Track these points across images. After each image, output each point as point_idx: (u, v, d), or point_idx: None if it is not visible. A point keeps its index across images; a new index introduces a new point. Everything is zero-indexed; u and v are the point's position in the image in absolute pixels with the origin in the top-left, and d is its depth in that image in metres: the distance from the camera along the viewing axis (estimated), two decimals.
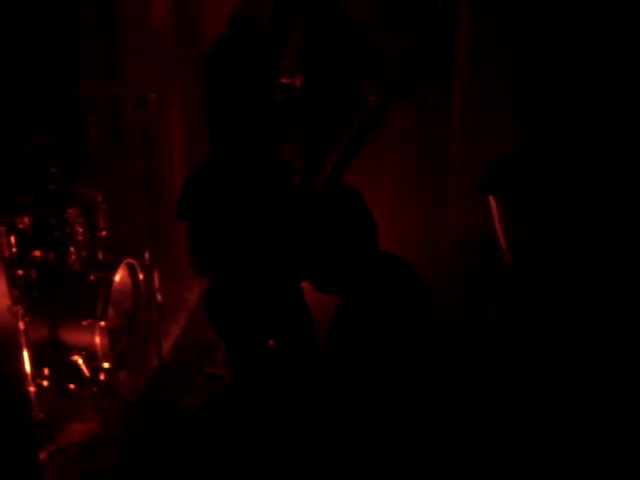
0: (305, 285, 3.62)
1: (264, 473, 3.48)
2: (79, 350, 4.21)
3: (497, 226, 3.60)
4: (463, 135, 4.92)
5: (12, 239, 4.02)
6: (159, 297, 4.47)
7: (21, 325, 3.93)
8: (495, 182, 3.60)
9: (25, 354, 3.96)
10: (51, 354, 4.22)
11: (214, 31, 4.78)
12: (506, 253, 3.59)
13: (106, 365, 4.26)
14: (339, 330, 2.65)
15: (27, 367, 3.97)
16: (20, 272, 4.05)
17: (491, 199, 3.60)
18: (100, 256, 4.50)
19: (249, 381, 3.69)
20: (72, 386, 4.22)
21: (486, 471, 3.19)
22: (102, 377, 4.27)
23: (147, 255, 4.42)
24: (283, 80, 4.55)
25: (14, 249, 4.03)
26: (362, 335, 2.57)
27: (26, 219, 4.10)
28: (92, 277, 4.27)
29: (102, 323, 4.19)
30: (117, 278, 4.34)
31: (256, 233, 3.52)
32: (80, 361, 4.20)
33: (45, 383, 4.15)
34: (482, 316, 3.87)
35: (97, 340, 4.19)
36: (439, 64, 5.05)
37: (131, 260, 4.51)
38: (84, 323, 4.17)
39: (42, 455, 3.74)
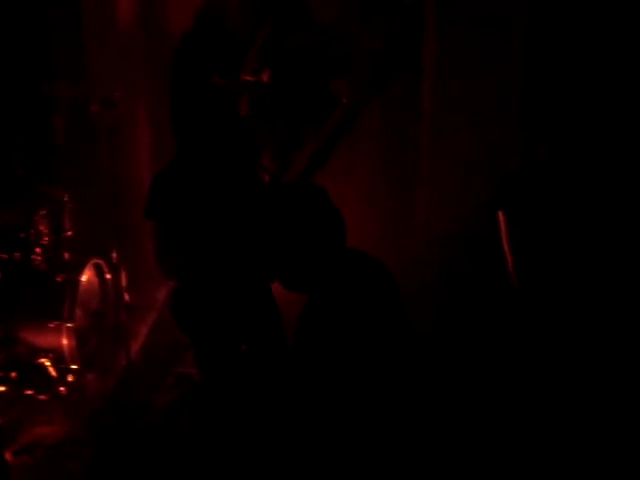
0: (275, 285, 3.61)
1: (235, 473, 3.46)
2: (46, 352, 4.17)
3: (504, 244, 3.60)
4: (433, 133, 4.93)
5: None
6: (127, 297, 4.43)
7: None
8: (504, 198, 3.59)
9: None
10: (15, 356, 4.17)
11: (180, 28, 4.75)
12: (512, 274, 3.59)
13: (74, 367, 4.21)
14: (307, 329, 2.63)
15: None
16: None
17: (500, 215, 3.59)
18: (66, 256, 4.46)
19: (218, 381, 3.67)
20: (37, 389, 4.17)
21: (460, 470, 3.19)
22: (70, 379, 4.22)
23: (114, 255, 4.38)
24: (249, 77, 4.53)
25: None
26: (330, 333, 2.55)
27: None
28: (58, 278, 4.23)
29: (69, 324, 4.14)
30: (84, 279, 4.30)
31: (223, 233, 3.50)
32: (47, 363, 4.15)
33: (5, 387, 4.11)
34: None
35: (64, 342, 4.14)
36: (408, 61, 5.06)
37: (98, 260, 4.46)
38: (51, 325, 4.13)
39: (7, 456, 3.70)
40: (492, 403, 3.62)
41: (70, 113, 5.10)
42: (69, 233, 4.47)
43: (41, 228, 4.27)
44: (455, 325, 4.23)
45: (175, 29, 4.97)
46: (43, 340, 4.17)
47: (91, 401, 4.21)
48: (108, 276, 4.54)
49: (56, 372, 4.17)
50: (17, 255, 4.23)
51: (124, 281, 4.40)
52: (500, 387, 3.68)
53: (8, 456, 3.68)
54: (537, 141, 4.07)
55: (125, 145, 5.01)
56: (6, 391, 4.13)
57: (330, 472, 2.56)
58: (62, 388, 4.20)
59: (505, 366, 3.77)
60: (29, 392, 4.16)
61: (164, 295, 4.94)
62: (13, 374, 4.17)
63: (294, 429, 2.65)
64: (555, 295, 3.62)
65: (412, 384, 2.64)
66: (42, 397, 4.16)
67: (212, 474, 3.60)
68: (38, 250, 4.28)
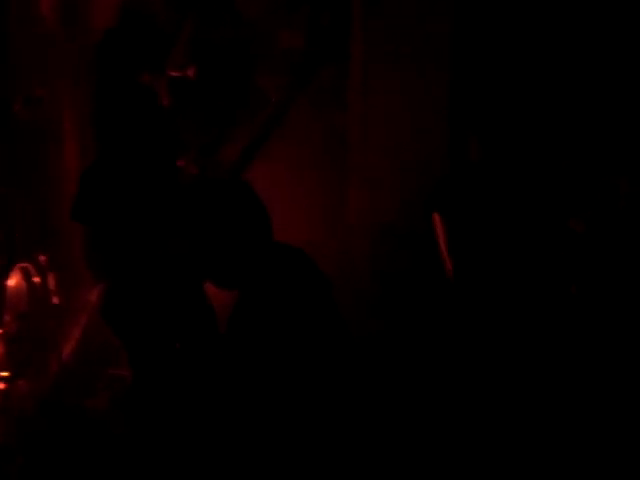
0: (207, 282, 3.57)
1: (169, 473, 3.43)
2: None
3: (441, 244, 3.62)
4: (361, 126, 4.94)
5: None
6: (56, 300, 4.35)
7: None
8: (439, 200, 3.61)
9: None
10: None
11: (104, 23, 4.67)
12: (448, 269, 3.61)
13: (4, 374, 4.13)
14: (237, 325, 2.62)
15: None
16: None
17: (435, 217, 3.61)
18: None
19: (152, 381, 3.63)
20: None
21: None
22: (0, 386, 4.13)
23: (42, 258, 4.30)
24: (175, 73, 4.47)
25: None
26: (260, 328, 2.55)
27: None
28: None
29: None
30: (11, 283, 4.21)
31: (150, 231, 3.45)
32: None
33: None
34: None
35: None
36: (335, 53, 5.06)
37: (24, 264, 4.37)
38: None
39: None
40: (423, 397, 3.64)
41: None
42: None
43: None
44: (389, 319, 4.26)
45: (98, 24, 4.90)
46: None
47: (22, 406, 4.12)
48: (36, 279, 4.45)
49: None
50: None
51: (53, 284, 4.31)
52: (432, 382, 3.70)
53: None
54: (467, 133, 4.10)
55: (51, 144, 4.91)
56: None
57: (260, 466, 2.56)
58: None
59: (437, 360, 3.80)
60: None
61: (95, 297, 4.86)
62: None
63: (229, 427, 2.63)
64: (490, 293, 3.66)
65: (344, 379, 2.64)
66: None
67: (145, 476, 3.56)
68: None
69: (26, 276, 4.42)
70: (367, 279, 4.63)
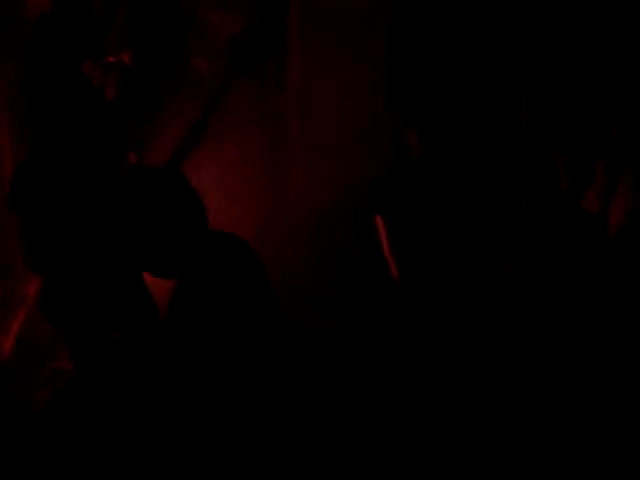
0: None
1: (113, 467, 3.39)
2: None
3: (384, 246, 3.62)
4: (298, 107, 4.92)
5: None
6: None
7: None
8: (378, 201, 3.61)
9: None
10: None
11: (37, 9, 4.56)
12: (392, 269, 3.61)
13: None
14: (176, 314, 2.60)
15: None
16: None
17: (377, 218, 3.61)
18: None
19: (94, 374, 3.58)
20: None
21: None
22: None
23: None
24: (111, 58, 4.40)
25: None
26: (198, 317, 2.54)
27: None
28: None
29: None
30: None
31: (87, 222, 3.40)
32: None
33: None
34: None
35: None
36: (273, 37, 5.03)
37: None
38: None
39: None
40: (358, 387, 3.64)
41: None
42: None
43: None
44: (328, 306, 4.26)
45: (32, 11, 4.79)
46: None
47: None
48: None
49: None
50: None
51: None
52: (374, 367, 3.71)
53: None
54: (405, 124, 4.11)
55: None
56: None
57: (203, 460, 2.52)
58: None
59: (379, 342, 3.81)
60: None
61: (34, 290, 4.78)
62: None
63: (171, 414, 2.60)
64: (433, 287, 3.67)
65: (282, 363, 2.63)
66: None
67: (90, 469, 3.51)
68: None
69: None
70: (306, 264, 4.62)
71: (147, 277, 2.84)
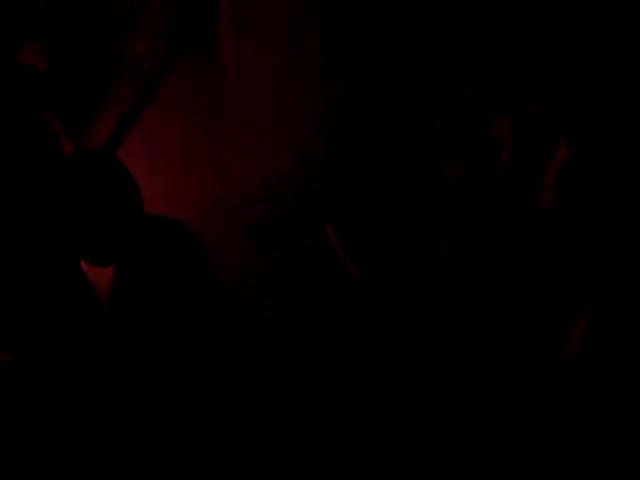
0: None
1: (55, 461, 3.33)
2: None
3: (339, 252, 3.61)
4: (235, 89, 4.88)
5: None
6: None
7: None
8: (329, 212, 3.60)
9: None
10: None
11: None
12: (352, 270, 3.60)
13: None
14: (116, 301, 2.58)
15: None
16: None
17: (328, 228, 3.60)
18: None
19: (34, 364, 3.51)
20: None
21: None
22: None
23: None
24: (34, 42, 4.30)
25: None
26: (139, 303, 2.53)
27: None
28: None
29: None
30: None
31: (21, 211, 3.33)
32: None
33: None
34: None
35: None
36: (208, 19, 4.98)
37: None
38: None
39: None
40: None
41: None
42: None
43: None
44: (272, 288, 4.23)
45: None
46: None
47: None
48: None
49: None
50: None
51: None
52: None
53: None
54: (340, 107, 4.11)
55: None
56: None
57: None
58: None
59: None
60: None
61: None
62: None
63: (116, 402, 2.58)
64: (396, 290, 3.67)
65: (228, 348, 2.61)
66: None
67: (35, 462, 3.45)
68: None
69: None
70: (248, 248, 4.60)
71: (84, 266, 2.79)
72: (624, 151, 3.40)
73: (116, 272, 2.58)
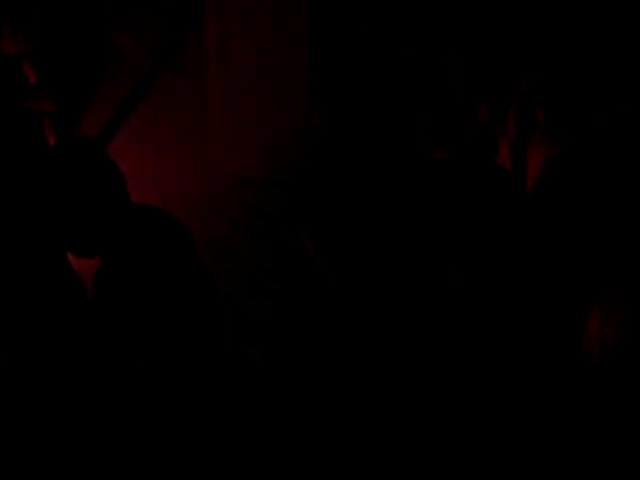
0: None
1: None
2: None
3: (314, 257, 3.58)
4: (220, 85, 4.86)
5: None
6: None
7: None
8: (301, 218, 3.58)
9: None
10: None
11: None
12: (328, 274, 3.58)
13: None
14: (102, 292, 2.55)
15: None
16: None
17: (302, 235, 3.57)
18: None
19: (20, 359, 3.48)
20: None
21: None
22: None
23: None
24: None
25: None
26: (125, 293, 2.50)
27: None
28: None
29: None
30: None
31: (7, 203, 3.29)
32: None
33: None
34: None
35: None
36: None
37: None
38: None
39: None
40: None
41: None
42: None
43: None
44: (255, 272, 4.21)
45: None
46: None
47: None
48: None
49: None
50: None
51: None
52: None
53: None
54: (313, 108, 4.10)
55: None
56: None
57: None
58: None
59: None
60: None
61: None
62: None
63: (100, 393, 2.56)
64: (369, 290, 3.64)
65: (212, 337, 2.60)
66: None
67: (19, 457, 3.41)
68: None
69: None
70: (231, 230, 4.58)
71: (71, 258, 2.76)
72: (608, 136, 3.40)
73: (102, 263, 2.56)
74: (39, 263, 3.35)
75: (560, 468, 2.69)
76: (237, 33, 4.78)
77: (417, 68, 4.16)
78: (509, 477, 2.94)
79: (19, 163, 3.33)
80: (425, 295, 3.49)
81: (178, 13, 5.01)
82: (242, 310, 3.83)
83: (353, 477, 3.12)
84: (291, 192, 3.91)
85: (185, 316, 2.54)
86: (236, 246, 4.47)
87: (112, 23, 4.87)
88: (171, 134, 4.90)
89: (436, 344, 3.39)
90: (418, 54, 4.29)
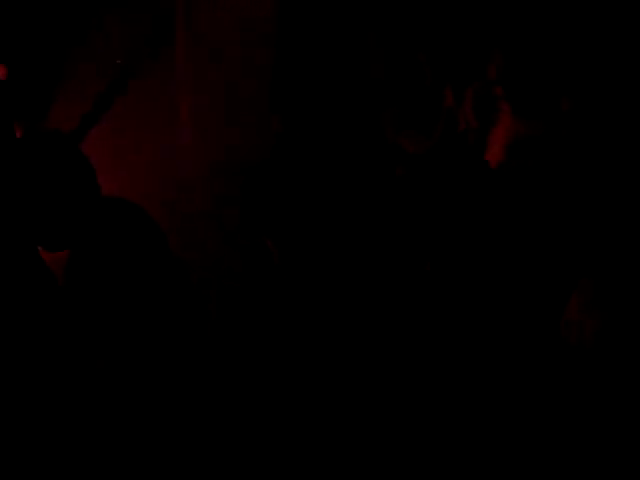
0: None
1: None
2: None
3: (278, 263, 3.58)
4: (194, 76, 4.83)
5: None
6: None
7: None
8: (263, 227, 3.54)
9: None
10: None
11: None
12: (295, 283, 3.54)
13: None
14: (72, 285, 2.53)
15: None
16: None
17: (268, 244, 3.56)
18: None
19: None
20: None
21: None
22: None
23: None
24: None
25: None
26: (96, 287, 2.48)
27: None
28: None
29: None
30: None
31: None
32: None
33: None
34: None
35: None
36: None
37: None
38: None
39: None
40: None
41: None
42: None
43: None
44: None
45: None
46: None
47: None
48: None
49: None
50: None
51: None
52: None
53: None
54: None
55: None
56: None
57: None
58: None
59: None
60: None
61: None
62: None
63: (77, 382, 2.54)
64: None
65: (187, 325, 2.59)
66: None
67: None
68: None
69: None
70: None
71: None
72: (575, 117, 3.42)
73: (71, 256, 2.53)
74: (11, 257, 3.32)
75: (552, 461, 2.70)
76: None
77: (385, 63, 4.16)
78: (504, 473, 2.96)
79: None
80: (395, 284, 3.49)
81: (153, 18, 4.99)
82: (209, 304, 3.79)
83: (352, 477, 3.10)
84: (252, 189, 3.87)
85: (161, 307, 2.52)
86: (202, 236, 4.44)
87: (88, 21, 4.82)
88: (142, 126, 4.86)
89: (411, 335, 3.38)
90: (386, 50, 4.29)
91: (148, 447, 2.52)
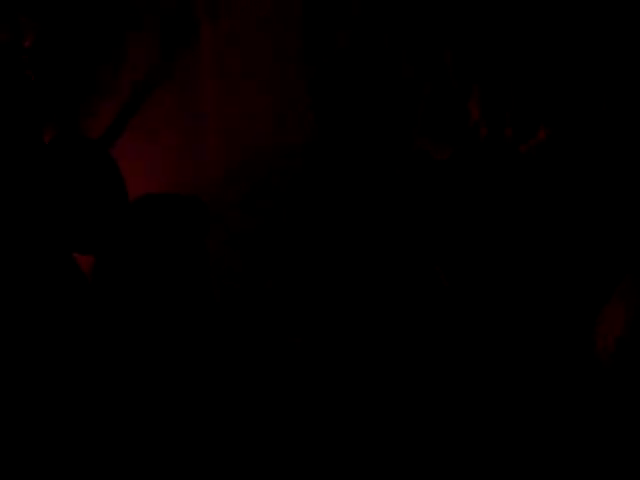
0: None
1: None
2: None
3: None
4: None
5: None
6: None
7: None
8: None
9: None
10: None
11: None
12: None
13: None
14: (101, 289, 2.54)
15: None
16: None
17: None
18: None
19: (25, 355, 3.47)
20: None
21: None
22: None
23: None
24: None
25: None
26: (124, 292, 2.50)
27: None
28: None
29: None
30: None
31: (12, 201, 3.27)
32: None
33: None
34: None
35: None
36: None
37: None
38: None
39: None
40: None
41: None
42: None
43: None
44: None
45: None
46: None
47: None
48: None
49: None
50: None
51: None
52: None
53: None
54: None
55: None
56: None
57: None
58: None
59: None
60: None
61: None
62: None
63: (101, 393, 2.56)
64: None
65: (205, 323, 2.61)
66: None
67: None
68: None
69: None
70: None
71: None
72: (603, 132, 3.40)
73: (98, 263, 2.56)
74: (44, 262, 3.35)
75: (561, 464, 2.69)
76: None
77: (413, 63, 4.16)
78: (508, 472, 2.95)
79: (16, 160, 3.30)
80: (413, 297, 3.48)
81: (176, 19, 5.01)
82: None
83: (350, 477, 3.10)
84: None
85: (185, 315, 2.53)
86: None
87: (116, 25, 4.84)
88: (171, 131, 4.88)
89: (429, 345, 3.38)
90: (412, 51, 4.30)
91: (148, 447, 2.54)
